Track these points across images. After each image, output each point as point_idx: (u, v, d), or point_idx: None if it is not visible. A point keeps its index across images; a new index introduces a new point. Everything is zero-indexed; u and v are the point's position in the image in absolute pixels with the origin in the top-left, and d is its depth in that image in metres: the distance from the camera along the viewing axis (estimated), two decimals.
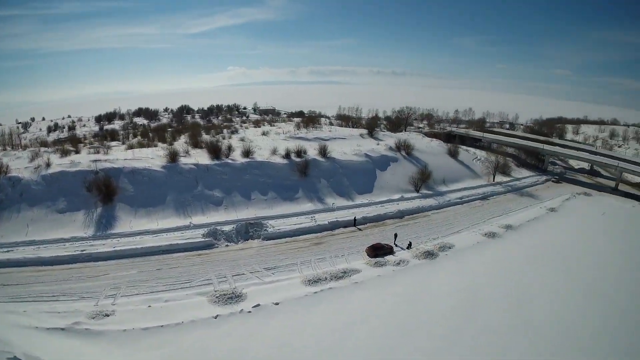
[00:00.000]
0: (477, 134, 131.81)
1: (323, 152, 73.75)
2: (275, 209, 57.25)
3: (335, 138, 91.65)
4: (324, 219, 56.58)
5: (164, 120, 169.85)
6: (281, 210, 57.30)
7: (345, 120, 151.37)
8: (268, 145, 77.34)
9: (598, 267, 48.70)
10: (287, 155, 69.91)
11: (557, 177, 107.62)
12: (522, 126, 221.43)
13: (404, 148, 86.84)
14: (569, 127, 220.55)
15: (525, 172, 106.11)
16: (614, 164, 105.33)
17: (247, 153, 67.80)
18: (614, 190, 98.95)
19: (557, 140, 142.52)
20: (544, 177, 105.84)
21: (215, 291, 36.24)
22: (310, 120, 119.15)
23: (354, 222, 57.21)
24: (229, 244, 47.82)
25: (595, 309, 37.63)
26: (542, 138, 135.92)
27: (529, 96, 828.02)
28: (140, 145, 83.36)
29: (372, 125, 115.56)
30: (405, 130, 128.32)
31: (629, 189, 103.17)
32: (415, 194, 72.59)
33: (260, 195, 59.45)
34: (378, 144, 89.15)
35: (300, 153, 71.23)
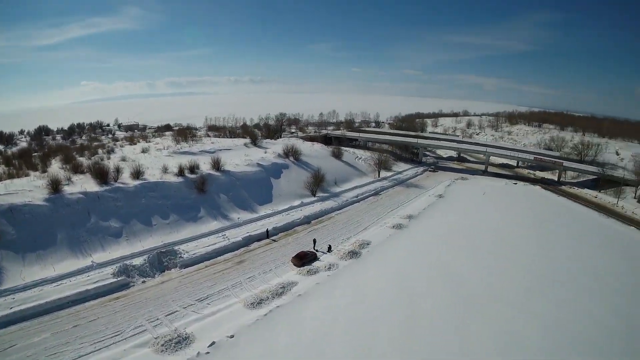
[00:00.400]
0: (353, 134, 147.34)
1: (217, 165, 75.38)
2: (182, 232, 56.62)
3: (220, 150, 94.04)
4: (235, 235, 58.54)
5: (23, 144, 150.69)
6: (188, 232, 57.30)
7: (219, 130, 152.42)
8: (154, 163, 76.06)
9: (499, 237, 63.62)
10: (180, 173, 69.77)
11: (433, 167, 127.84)
12: (384, 123, 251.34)
13: (292, 154, 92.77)
14: (428, 121, 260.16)
15: (404, 166, 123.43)
16: (482, 150, 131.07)
17: (137, 174, 65.69)
18: (484, 173, 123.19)
19: (426, 134, 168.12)
20: (422, 168, 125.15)
21: (156, 338, 34.57)
22: (184, 133, 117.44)
23: (267, 234, 60.39)
24: (145, 279, 46.08)
25: (511, 272, 50.18)
26: (412, 133, 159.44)
27: (385, 96, 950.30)
28: (10, 176, 71.51)
29: (254, 134, 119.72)
30: (281, 137, 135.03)
31: (496, 169, 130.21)
32: (313, 198, 78.82)
33: (162, 219, 58.05)
34: (266, 152, 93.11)
35: (193, 169, 71.70)
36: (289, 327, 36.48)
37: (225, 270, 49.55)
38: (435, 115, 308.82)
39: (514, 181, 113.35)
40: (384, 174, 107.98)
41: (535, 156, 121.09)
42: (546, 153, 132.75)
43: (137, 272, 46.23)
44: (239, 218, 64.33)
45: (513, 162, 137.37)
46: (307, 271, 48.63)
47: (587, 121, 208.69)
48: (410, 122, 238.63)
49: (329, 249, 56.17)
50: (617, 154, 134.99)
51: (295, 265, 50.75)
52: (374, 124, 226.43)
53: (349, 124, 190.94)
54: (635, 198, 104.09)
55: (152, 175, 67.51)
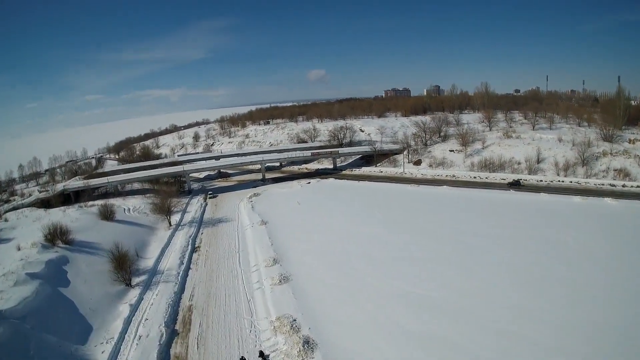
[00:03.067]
0: (100, 181, 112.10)
1: None
2: None
3: None
4: None
5: None
6: None
7: None
8: None
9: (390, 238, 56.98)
10: None
11: (210, 192, 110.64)
12: (104, 159, 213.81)
13: (59, 237, 59.65)
14: (149, 143, 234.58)
15: (181, 201, 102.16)
16: (256, 160, 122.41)
17: None
18: (264, 181, 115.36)
19: (179, 159, 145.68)
20: (199, 198, 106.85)
21: None
22: None
23: None
24: None
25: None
26: (167, 160, 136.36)
27: (71, 129, 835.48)
28: None
29: None
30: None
31: (268, 174, 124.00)
32: (133, 292, 51.91)
33: None
34: (19, 250, 56.20)
35: None
36: None
37: None
38: (148, 136, 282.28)
39: (307, 181, 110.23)
40: (173, 219, 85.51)
41: (312, 152, 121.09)
42: (319, 146, 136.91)
43: None
44: None
45: (276, 164, 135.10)
46: None
47: (316, 108, 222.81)
48: (128, 149, 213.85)
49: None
50: (362, 130, 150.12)
51: None
52: (94, 162, 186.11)
53: (71, 171, 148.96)
54: (410, 162, 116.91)
55: None
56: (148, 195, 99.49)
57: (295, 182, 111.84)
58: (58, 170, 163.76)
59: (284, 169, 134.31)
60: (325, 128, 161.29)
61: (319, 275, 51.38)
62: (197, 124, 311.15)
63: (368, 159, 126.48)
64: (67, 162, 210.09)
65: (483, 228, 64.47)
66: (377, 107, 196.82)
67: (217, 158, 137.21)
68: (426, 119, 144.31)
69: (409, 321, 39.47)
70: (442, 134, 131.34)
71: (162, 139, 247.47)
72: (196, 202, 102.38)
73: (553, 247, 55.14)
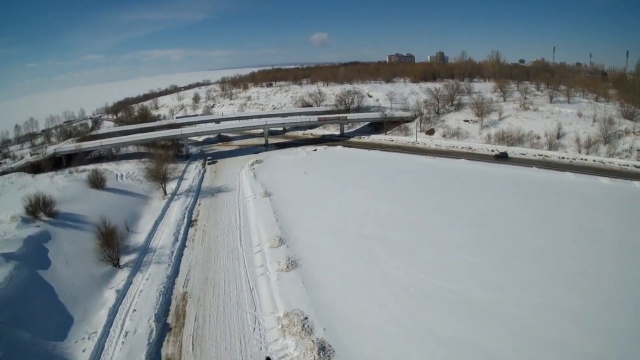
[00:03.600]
0: (93, 143, 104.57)
1: None
2: None
3: None
4: None
5: None
6: None
7: None
8: None
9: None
10: None
11: (209, 158, 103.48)
12: (101, 119, 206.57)
13: (42, 209, 53.08)
14: (148, 104, 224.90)
15: (178, 167, 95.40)
16: (260, 124, 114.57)
17: None
18: (267, 147, 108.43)
19: (179, 121, 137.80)
20: (197, 163, 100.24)
21: None
22: None
23: None
24: None
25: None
26: (165, 122, 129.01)
27: (72, 88, 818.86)
28: None
29: None
30: None
31: (272, 139, 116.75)
32: (122, 272, 45.89)
33: None
34: None
35: None
36: None
37: None
38: (147, 97, 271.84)
39: (312, 147, 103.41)
40: (169, 187, 79.05)
41: (319, 117, 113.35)
42: (325, 110, 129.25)
43: None
44: None
45: (280, 128, 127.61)
46: None
47: (321, 71, 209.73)
48: (126, 110, 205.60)
49: None
50: (370, 96, 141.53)
51: None
52: (91, 123, 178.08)
53: (66, 133, 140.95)
54: (422, 131, 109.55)
55: None
56: (143, 160, 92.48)
57: (300, 149, 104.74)
58: (53, 131, 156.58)
59: (288, 134, 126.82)
60: (331, 92, 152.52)
61: (333, 261, 45.31)
62: (198, 85, 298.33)
63: (377, 126, 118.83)
64: (65, 122, 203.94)
65: (511, 211, 58.00)
66: (384, 71, 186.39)
67: (217, 121, 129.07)
68: (437, 86, 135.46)
69: (439, 324, 33.63)
70: (454, 102, 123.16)
71: (162, 100, 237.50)
72: (194, 169, 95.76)
73: (590, 236, 48.81)
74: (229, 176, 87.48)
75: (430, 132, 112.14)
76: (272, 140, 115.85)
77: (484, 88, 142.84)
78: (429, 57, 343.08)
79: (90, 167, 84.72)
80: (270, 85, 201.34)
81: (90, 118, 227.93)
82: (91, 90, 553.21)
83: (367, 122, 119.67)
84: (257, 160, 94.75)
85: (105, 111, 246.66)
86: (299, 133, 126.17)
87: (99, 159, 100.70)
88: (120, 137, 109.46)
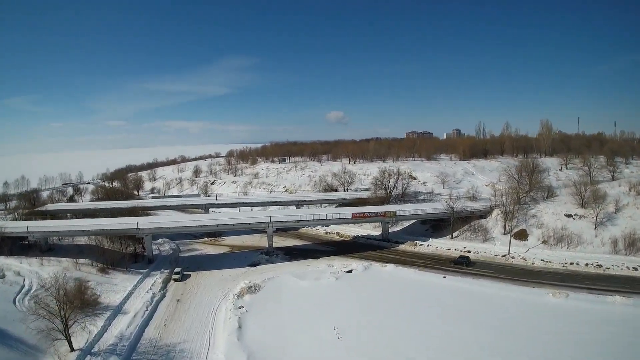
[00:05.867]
0: (17, 227, 65.44)
1: None
2: None
3: None
4: None
5: None
6: None
7: None
8: None
9: None
10: None
11: (179, 271, 61.72)
12: (85, 187, 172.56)
13: None
14: (144, 175, 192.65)
15: (121, 284, 57.27)
16: (261, 221, 74.05)
17: None
18: (270, 254, 67.64)
19: (150, 202, 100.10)
20: (157, 277, 60.59)
21: None
22: None
23: None
24: None
25: None
26: (129, 203, 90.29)
27: (89, 151, 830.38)
28: None
29: None
30: None
31: (279, 238, 75.94)
32: None
33: None
34: None
35: None
36: None
37: None
38: (151, 166, 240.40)
39: (343, 262, 63.11)
40: (82, 335, 39.00)
41: (353, 213, 72.34)
42: (357, 198, 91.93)
43: None
44: None
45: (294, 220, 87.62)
46: None
47: (345, 146, 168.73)
48: (123, 178, 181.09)
49: None
50: (413, 177, 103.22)
51: None
52: (71, 192, 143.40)
53: (31, 201, 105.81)
54: (506, 233, 69.77)
55: None
56: (81, 261, 59.73)
57: (322, 263, 64.00)
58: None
59: (304, 230, 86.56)
60: (360, 171, 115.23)
61: None
62: (210, 157, 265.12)
63: (435, 224, 78.83)
64: (63, 184, 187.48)
65: None
66: (425, 147, 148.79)
67: (204, 208, 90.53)
68: (511, 162, 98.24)
69: None
70: (536, 186, 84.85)
71: (161, 171, 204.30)
72: (149, 288, 56.09)
73: None
74: (199, 317, 47.63)
75: (522, 235, 71.52)
76: (279, 241, 76.24)
77: (551, 164, 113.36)
78: (445, 134, 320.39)
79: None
80: (284, 160, 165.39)
81: (74, 187, 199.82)
82: (109, 155, 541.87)
83: (413, 220, 79.78)
84: (250, 287, 53.73)
85: (103, 178, 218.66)
86: (320, 230, 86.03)
87: (31, 246, 68.78)
88: (55, 224, 71.67)
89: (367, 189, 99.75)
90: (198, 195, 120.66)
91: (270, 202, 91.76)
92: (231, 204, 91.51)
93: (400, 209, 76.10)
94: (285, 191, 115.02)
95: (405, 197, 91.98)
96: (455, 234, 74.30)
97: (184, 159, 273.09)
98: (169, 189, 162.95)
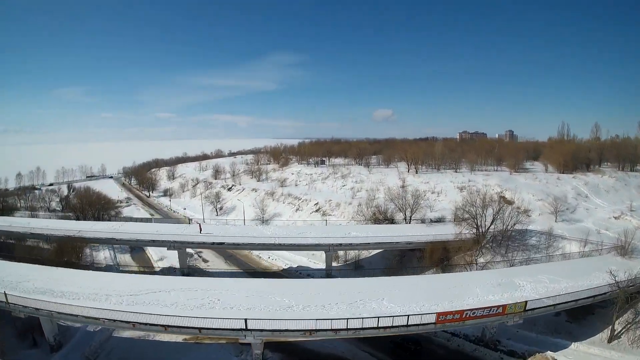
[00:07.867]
0: None
1: None
2: None
3: None
4: None
5: None
6: None
7: None
8: None
9: None
10: None
11: None
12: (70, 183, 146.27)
13: None
14: (164, 173, 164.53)
15: None
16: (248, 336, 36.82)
17: None
18: None
19: (89, 231, 65.62)
20: None
21: None
22: None
23: None
24: None
25: None
26: (64, 230, 57.25)
27: (131, 141, 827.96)
28: None
29: None
30: None
31: None
32: None
33: None
34: None
35: None
36: None
37: None
38: (177, 161, 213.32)
39: None
40: None
41: (438, 314, 33.48)
42: (426, 233, 53.72)
43: None
44: None
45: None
46: None
47: (402, 146, 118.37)
48: (142, 175, 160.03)
49: None
50: (506, 199, 63.59)
51: None
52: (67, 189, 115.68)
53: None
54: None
55: None
56: None
57: None
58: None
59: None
60: (426, 186, 77.91)
61: None
62: (252, 152, 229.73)
63: (573, 309, 39.92)
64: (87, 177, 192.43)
65: None
66: (510, 151, 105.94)
67: (173, 247, 55.67)
68: (612, 181, 59.58)
69: None
70: None
71: (183, 168, 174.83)
72: None
73: None
74: None
75: None
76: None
77: None
78: (497, 134, 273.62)
79: None
80: (322, 162, 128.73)
81: (111, 177, 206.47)
82: (156, 145, 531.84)
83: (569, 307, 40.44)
84: None
85: (124, 173, 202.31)
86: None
87: None
88: None
89: (439, 219, 62.51)
90: (178, 220, 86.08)
91: (281, 244, 54.88)
92: (218, 243, 54.99)
93: (531, 292, 37.10)
94: (317, 211, 79.03)
95: (509, 240, 53.77)
96: (617, 329, 35.50)
97: (219, 154, 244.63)
98: (182, 191, 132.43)
